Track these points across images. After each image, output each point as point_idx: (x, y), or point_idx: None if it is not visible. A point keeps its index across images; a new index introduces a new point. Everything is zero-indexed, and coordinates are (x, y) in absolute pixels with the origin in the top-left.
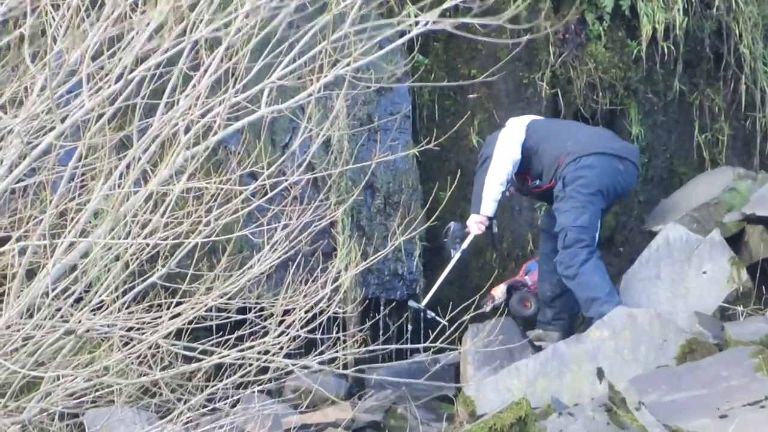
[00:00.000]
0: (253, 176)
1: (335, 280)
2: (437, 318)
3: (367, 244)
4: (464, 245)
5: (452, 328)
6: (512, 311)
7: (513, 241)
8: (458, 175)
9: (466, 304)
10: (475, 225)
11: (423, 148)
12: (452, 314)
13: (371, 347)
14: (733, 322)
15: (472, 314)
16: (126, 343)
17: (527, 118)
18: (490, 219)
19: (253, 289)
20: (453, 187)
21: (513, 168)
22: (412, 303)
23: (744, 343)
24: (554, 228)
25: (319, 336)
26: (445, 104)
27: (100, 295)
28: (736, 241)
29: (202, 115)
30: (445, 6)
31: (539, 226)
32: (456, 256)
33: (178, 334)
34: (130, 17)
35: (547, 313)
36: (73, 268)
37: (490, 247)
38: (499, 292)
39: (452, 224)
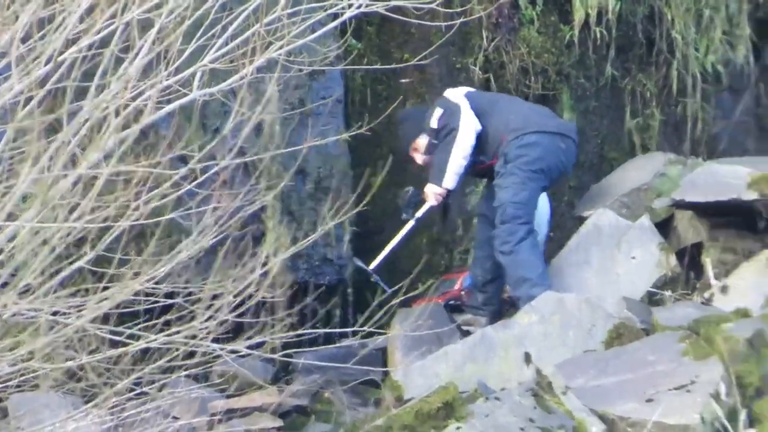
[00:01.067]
0: (184, 160)
1: (264, 264)
2: (381, 283)
3: (296, 229)
4: (419, 214)
5: (381, 313)
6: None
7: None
8: (390, 160)
9: (395, 288)
10: (434, 195)
11: (355, 133)
12: (381, 299)
13: (299, 332)
14: (661, 307)
15: (400, 299)
16: (52, 328)
17: (463, 90)
18: (449, 192)
19: (182, 273)
20: (384, 172)
21: (475, 141)
22: (357, 261)
23: (671, 329)
24: (494, 204)
25: (247, 321)
26: (378, 89)
27: (27, 280)
28: (665, 227)
29: (133, 99)
30: None
31: (477, 211)
32: (411, 223)
33: (105, 318)
34: None
35: (477, 297)
36: (0, 252)
37: (440, 219)
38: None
39: (411, 189)
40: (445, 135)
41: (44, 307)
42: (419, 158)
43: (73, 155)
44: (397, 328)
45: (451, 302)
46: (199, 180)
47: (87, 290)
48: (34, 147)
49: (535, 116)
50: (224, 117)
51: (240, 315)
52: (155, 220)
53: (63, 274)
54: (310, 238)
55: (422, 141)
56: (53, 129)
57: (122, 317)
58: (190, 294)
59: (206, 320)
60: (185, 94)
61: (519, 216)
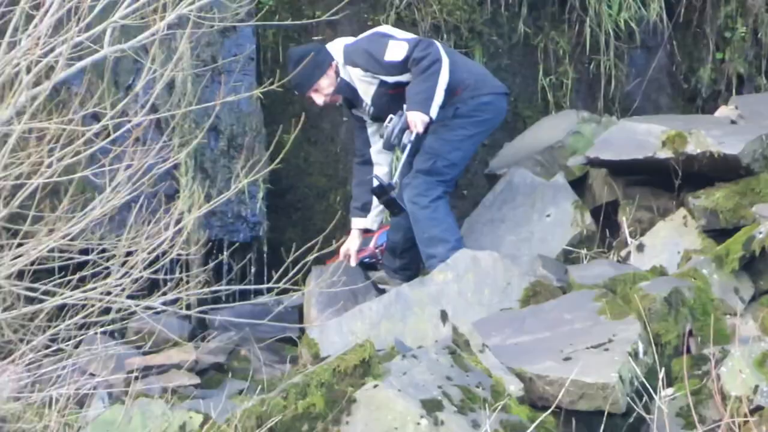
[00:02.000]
0: (96, 117)
1: (178, 222)
2: (399, 201)
3: (210, 186)
4: (412, 137)
5: (295, 270)
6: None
7: None
8: (302, 118)
9: (309, 245)
10: (421, 123)
11: (266, 89)
12: (295, 255)
13: (214, 288)
14: (576, 265)
15: (315, 256)
16: None
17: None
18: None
19: (96, 230)
20: (297, 129)
21: None
22: (378, 177)
23: (587, 287)
24: (423, 149)
25: (162, 277)
26: (289, 46)
27: None
28: (579, 185)
29: (45, 55)
30: None
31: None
32: (409, 147)
33: (21, 275)
34: None
35: (395, 262)
36: None
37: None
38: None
39: (393, 117)
40: (427, 66)
41: None
42: (320, 99)
43: None
44: (312, 285)
45: (366, 260)
46: (112, 137)
47: (1, 247)
48: None
49: (485, 75)
50: (136, 74)
51: (155, 272)
52: (69, 177)
53: None
54: (223, 195)
55: (325, 82)
56: None
57: (37, 274)
58: (104, 251)
59: (121, 277)
60: (96, 51)
61: (444, 174)
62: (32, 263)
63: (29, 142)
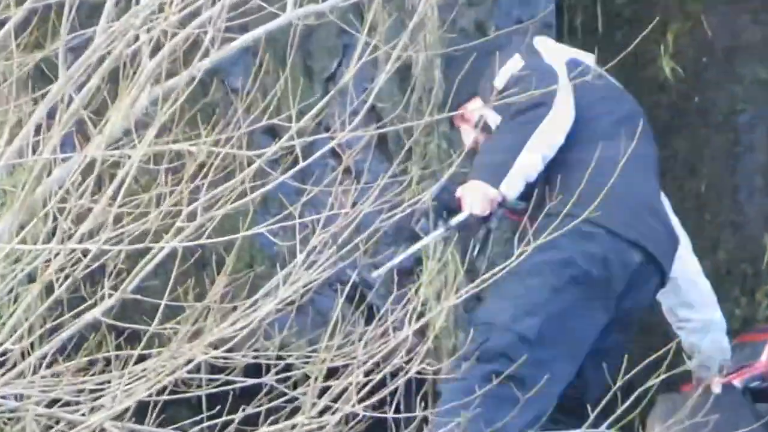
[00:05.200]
0: (273, 133)
1: (420, 315)
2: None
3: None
4: (454, 221)
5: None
6: None
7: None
8: None
9: (649, 360)
10: (480, 202)
11: None
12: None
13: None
14: None
15: (660, 378)
16: (49, 427)
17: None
18: (501, 204)
19: (273, 332)
20: None
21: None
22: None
23: None
24: None
25: (391, 415)
26: None
27: (2, 343)
28: None
29: (181, 24)
30: None
31: None
32: (436, 233)
33: (141, 411)
34: None
35: None
36: None
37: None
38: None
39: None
40: (525, 109)
41: (32, 392)
42: (467, 134)
43: (78, 123)
44: (658, 429)
45: (756, 383)
46: (302, 165)
47: (108, 363)
48: (11, 108)
49: None
50: (343, 54)
51: (381, 404)
52: (223, 239)
53: (66, 332)
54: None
55: (476, 106)
56: (44, 75)
57: (172, 409)
58: (288, 368)
59: (320, 414)
60: (273, 16)
61: (498, 364)
62: (161, 392)
63: (157, 177)
